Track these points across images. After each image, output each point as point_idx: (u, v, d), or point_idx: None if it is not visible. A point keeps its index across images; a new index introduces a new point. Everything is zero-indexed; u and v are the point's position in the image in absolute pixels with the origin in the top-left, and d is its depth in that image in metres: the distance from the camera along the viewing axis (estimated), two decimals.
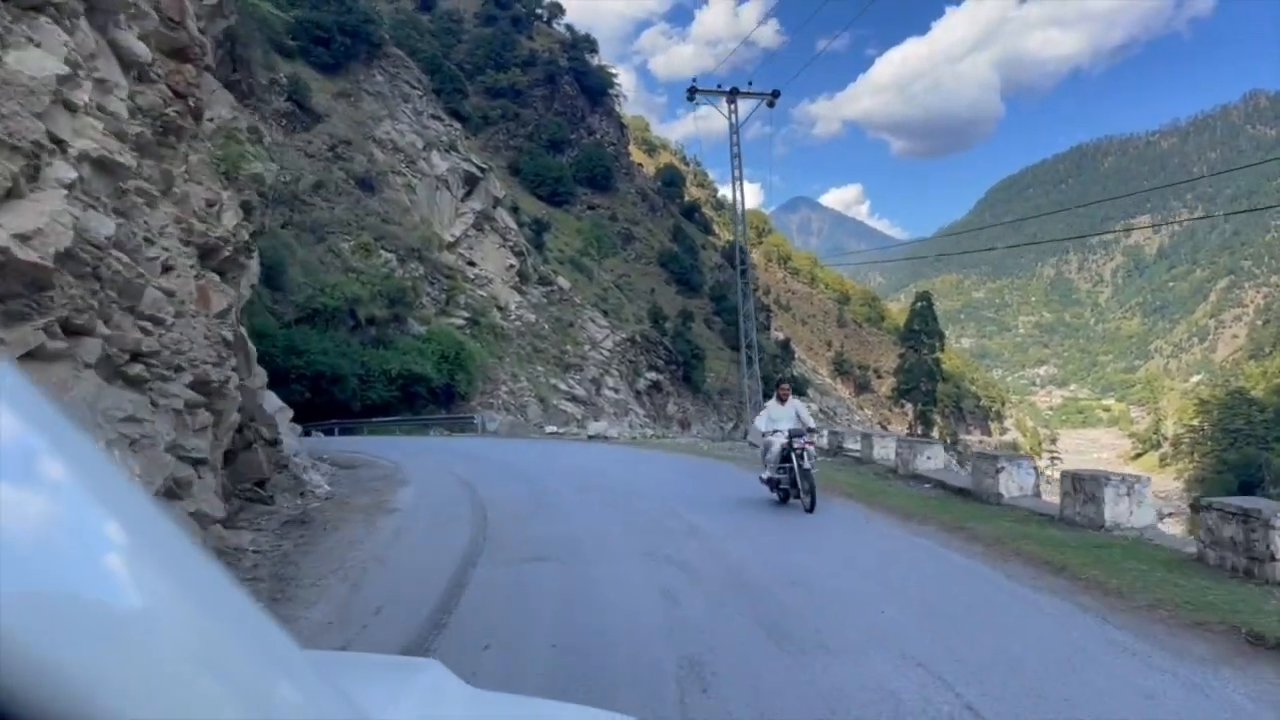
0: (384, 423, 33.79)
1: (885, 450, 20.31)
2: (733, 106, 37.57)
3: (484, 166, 53.33)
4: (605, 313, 60.98)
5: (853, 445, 22.48)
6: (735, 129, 37.17)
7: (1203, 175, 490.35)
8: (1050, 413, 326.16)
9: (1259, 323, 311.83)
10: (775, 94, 38.71)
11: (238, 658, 0.56)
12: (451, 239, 49.81)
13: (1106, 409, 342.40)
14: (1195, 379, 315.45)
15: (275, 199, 41.46)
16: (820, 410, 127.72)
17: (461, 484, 15.74)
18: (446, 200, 50.22)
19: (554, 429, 40.22)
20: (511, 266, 53.22)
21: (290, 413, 17.80)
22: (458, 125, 57.44)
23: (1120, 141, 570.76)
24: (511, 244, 53.87)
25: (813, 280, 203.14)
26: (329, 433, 33.11)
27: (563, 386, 48.66)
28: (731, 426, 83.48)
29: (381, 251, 41.84)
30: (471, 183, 52.61)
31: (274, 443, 12.04)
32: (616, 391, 53.79)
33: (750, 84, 39.34)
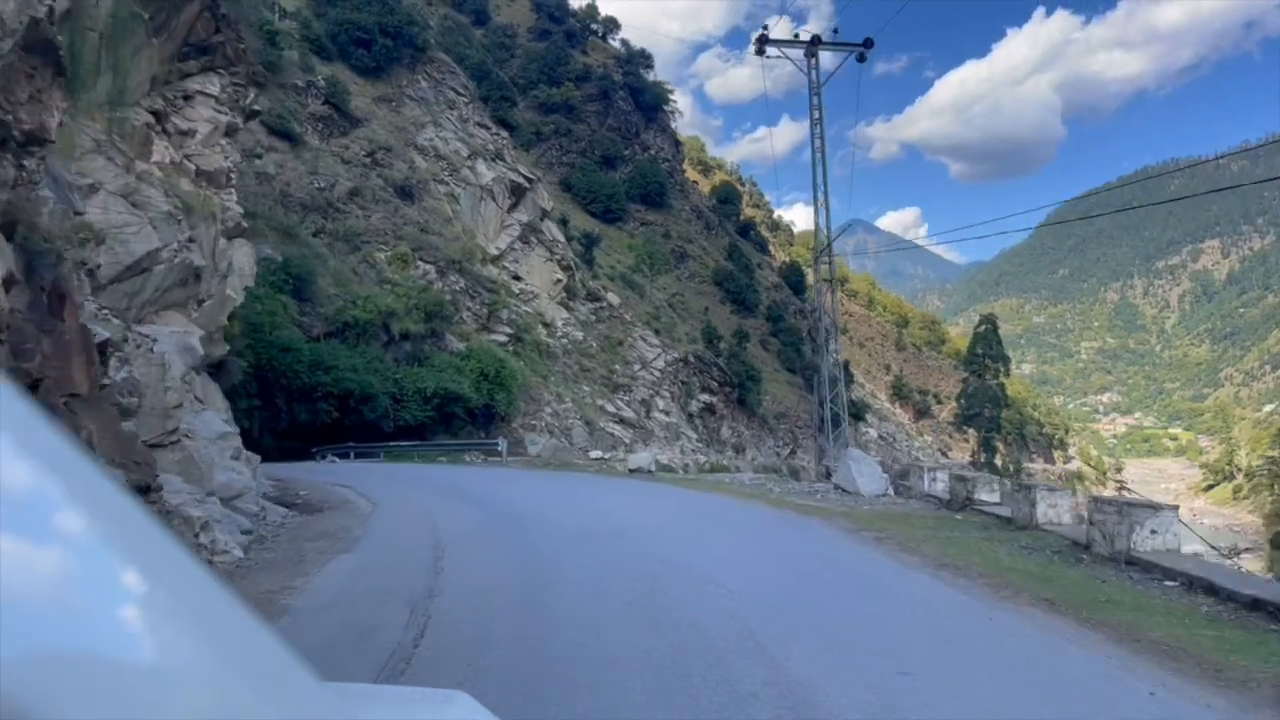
0: (403, 448, 30.93)
1: (1056, 510, 13.95)
2: (813, 60, 31.81)
3: (531, 176, 50.83)
4: (657, 331, 58.03)
5: (988, 497, 15.83)
6: (816, 87, 31.59)
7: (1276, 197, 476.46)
8: (1114, 441, 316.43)
9: None
10: (867, 44, 32.02)
11: (258, 708, 0.55)
12: (496, 252, 47.30)
13: (1173, 438, 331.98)
14: (1269, 408, 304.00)
15: (308, 205, 39.35)
16: (880, 436, 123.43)
17: (431, 549, 11.14)
18: (491, 211, 47.77)
19: (599, 454, 37.18)
20: (559, 281, 50.53)
21: (236, 441, 14.87)
22: (505, 134, 55.18)
23: (1188, 164, 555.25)
24: (559, 257, 51.20)
25: (870, 303, 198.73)
26: (344, 456, 30.45)
27: (610, 408, 45.71)
28: (789, 452, 79.89)
29: (420, 263, 39.38)
30: (518, 193, 50.13)
31: (145, 489, 8.60)
32: (668, 414, 50.71)
33: (835, 31, 33.23)
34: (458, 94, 53.01)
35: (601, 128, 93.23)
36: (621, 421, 45.47)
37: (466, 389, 36.96)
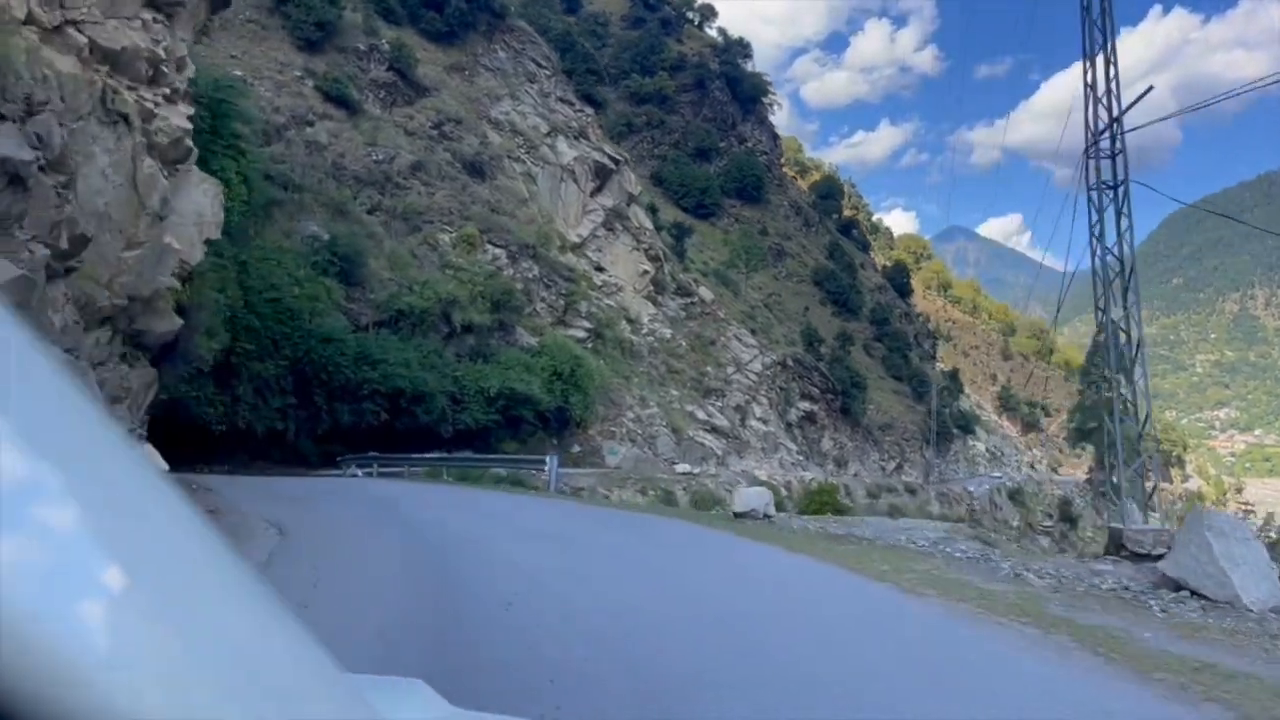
0: (435, 461, 25.24)
1: None
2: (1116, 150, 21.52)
3: (618, 158, 45.95)
4: (753, 331, 52.53)
5: None
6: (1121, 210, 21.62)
7: None
8: (1232, 459, 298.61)
9: None
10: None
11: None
12: (576, 239, 42.54)
13: None
14: None
15: (363, 179, 35.10)
16: (988, 450, 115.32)
17: None
18: (573, 194, 43.04)
19: (686, 468, 31.94)
20: (646, 273, 45.48)
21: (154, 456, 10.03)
22: (590, 111, 50.39)
23: None
24: (646, 247, 46.13)
25: (974, 309, 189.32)
26: (366, 466, 25.62)
27: (701, 415, 40.47)
28: (894, 467, 73.33)
29: (489, 246, 34.82)
30: (603, 176, 45.29)
31: None
32: (765, 423, 45.21)
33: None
34: (539, 66, 48.44)
35: (696, 119, 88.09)
36: (714, 430, 40.19)
37: (537, 389, 32.16)
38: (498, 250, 35.08)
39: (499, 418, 31.79)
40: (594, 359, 35.40)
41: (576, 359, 34.12)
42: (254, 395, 25.80)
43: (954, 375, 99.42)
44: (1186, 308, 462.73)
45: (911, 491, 40.38)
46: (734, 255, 64.14)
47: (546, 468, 19.52)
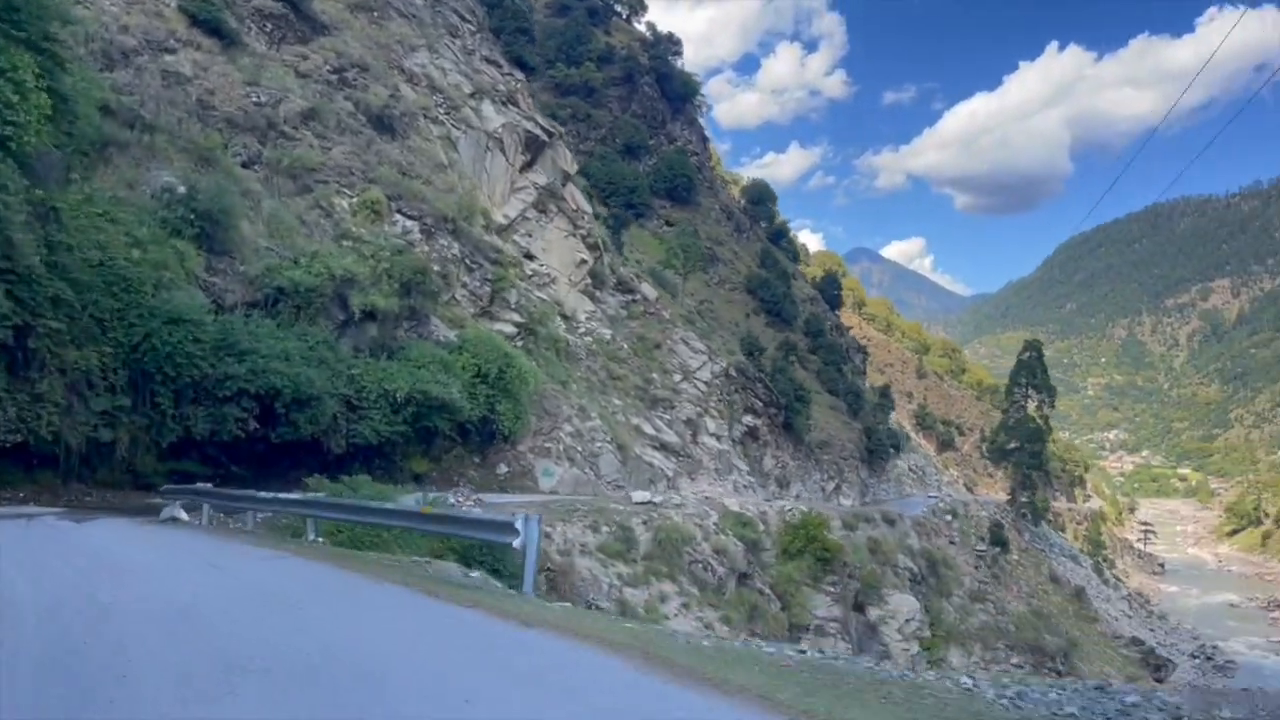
0: (299, 506, 14.86)
1: None
2: None
3: (551, 130, 39.55)
4: (701, 335, 46.59)
5: None
6: None
7: None
8: (1121, 479, 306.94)
9: None
10: None
11: None
12: (503, 220, 35.94)
13: (1182, 478, 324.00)
14: None
15: (239, 124, 27.88)
16: (910, 469, 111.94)
17: None
18: (499, 167, 36.44)
19: (644, 496, 25.57)
20: (583, 263, 39.06)
21: None
22: (520, 75, 43.83)
23: (1198, 202, 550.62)
24: (584, 233, 39.73)
25: (888, 328, 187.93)
26: (194, 505, 17.76)
27: (648, 429, 34.30)
28: (834, 488, 68.31)
29: (398, 217, 28.03)
30: (535, 149, 38.79)
31: None
32: (718, 439, 39.30)
33: None
34: (462, 19, 41.61)
35: (625, 114, 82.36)
36: (662, 447, 34.05)
37: (456, 394, 25.46)
38: (409, 222, 28.29)
39: (407, 429, 25.00)
40: (525, 359, 28.82)
41: (506, 358, 27.53)
42: (65, 393, 18.49)
43: (884, 392, 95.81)
44: (1079, 332, 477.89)
45: (890, 522, 35.02)
46: (670, 255, 58.27)
47: (520, 540, 9.50)
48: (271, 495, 15.44)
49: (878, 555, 30.50)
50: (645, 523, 22.99)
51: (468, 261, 29.94)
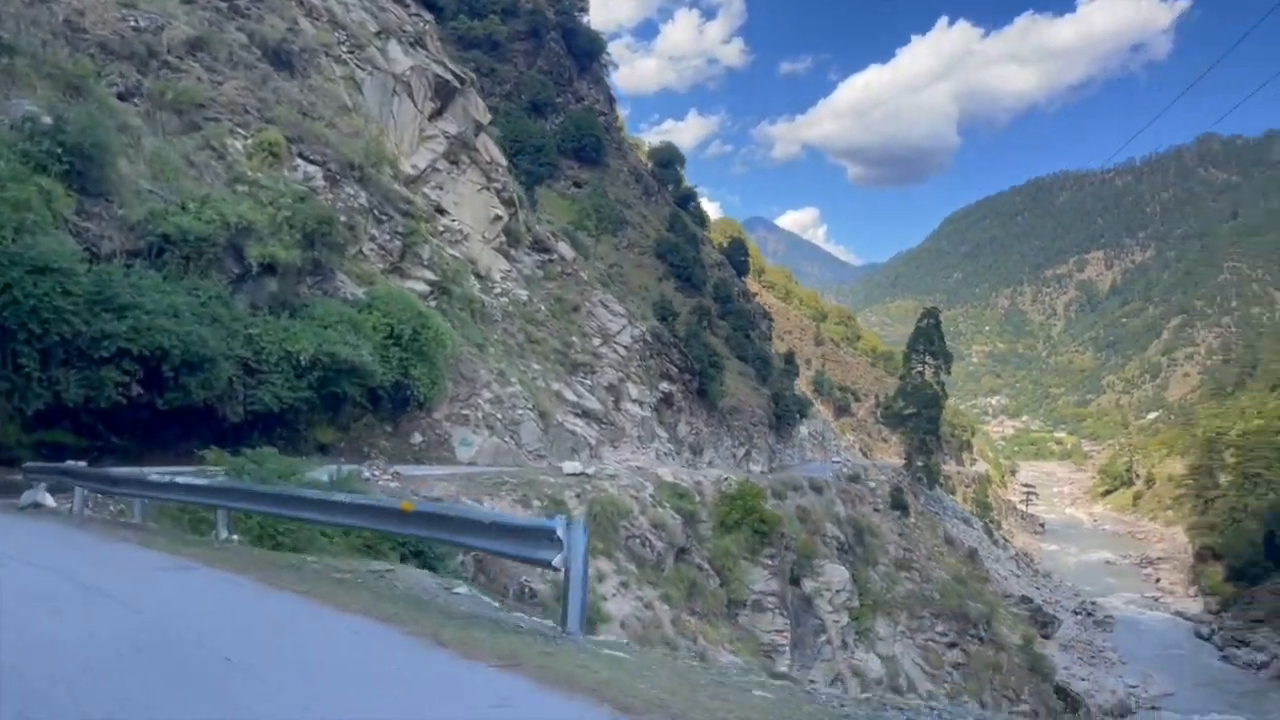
0: (209, 497, 12.04)
1: None
2: None
3: (463, 76, 36.95)
4: (620, 298, 44.82)
5: None
6: None
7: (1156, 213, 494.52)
8: (1003, 443, 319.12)
9: (1221, 361, 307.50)
10: None
11: None
12: (413, 170, 33.35)
13: (1059, 442, 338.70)
14: (1152, 415, 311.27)
15: (115, 51, 24.63)
16: (810, 434, 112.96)
17: None
18: (407, 113, 33.75)
19: (576, 467, 23.82)
20: (498, 219, 36.74)
21: None
22: (428, 16, 40.91)
23: (1076, 177, 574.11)
24: (499, 187, 37.36)
25: (787, 295, 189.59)
26: (64, 487, 14.60)
27: (570, 395, 32.50)
28: (744, 454, 67.74)
29: (299, 161, 25.37)
30: (445, 96, 36.14)
31: None
32: (641, 405, 37.75)
33: None
34: None
35: (531, 70, 79.39)
36: (585, 414, 32.32)
37: (367, 356, 23.18)
38: (312, 167, 25.64)
39: (312, 395, 22.59)
40: (441, 320, 26.62)
41: (421, 318, 25.29)
42: None
43: (789, 358, 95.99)
44: (965, 301, 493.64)
45: (818, 490, 34.14)
46: (582, 216, 56.15)
47: (562, 556, 6.57)
48: (167, 478, 12.19)
49: (807, 525, 29.59)
50: (578, 496, 21.31)
51: (376, 213, 27.44)
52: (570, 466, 22.84)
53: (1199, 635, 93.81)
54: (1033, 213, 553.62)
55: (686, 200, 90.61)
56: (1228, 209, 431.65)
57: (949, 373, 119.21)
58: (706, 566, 22.27)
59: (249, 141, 24.63)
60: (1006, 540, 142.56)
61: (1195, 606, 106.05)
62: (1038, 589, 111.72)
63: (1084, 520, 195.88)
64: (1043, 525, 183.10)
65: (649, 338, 47.23)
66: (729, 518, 24.69)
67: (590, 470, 22.66)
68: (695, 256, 75.80)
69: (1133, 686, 72.01)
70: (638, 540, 20.91)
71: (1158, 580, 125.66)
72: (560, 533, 6.55)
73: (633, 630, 19.25)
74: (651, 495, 22.62)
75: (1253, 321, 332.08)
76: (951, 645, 32.14)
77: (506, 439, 27.94)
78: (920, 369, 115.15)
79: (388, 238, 27.66)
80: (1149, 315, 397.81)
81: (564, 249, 43.16)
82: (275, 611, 7.12)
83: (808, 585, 26.53)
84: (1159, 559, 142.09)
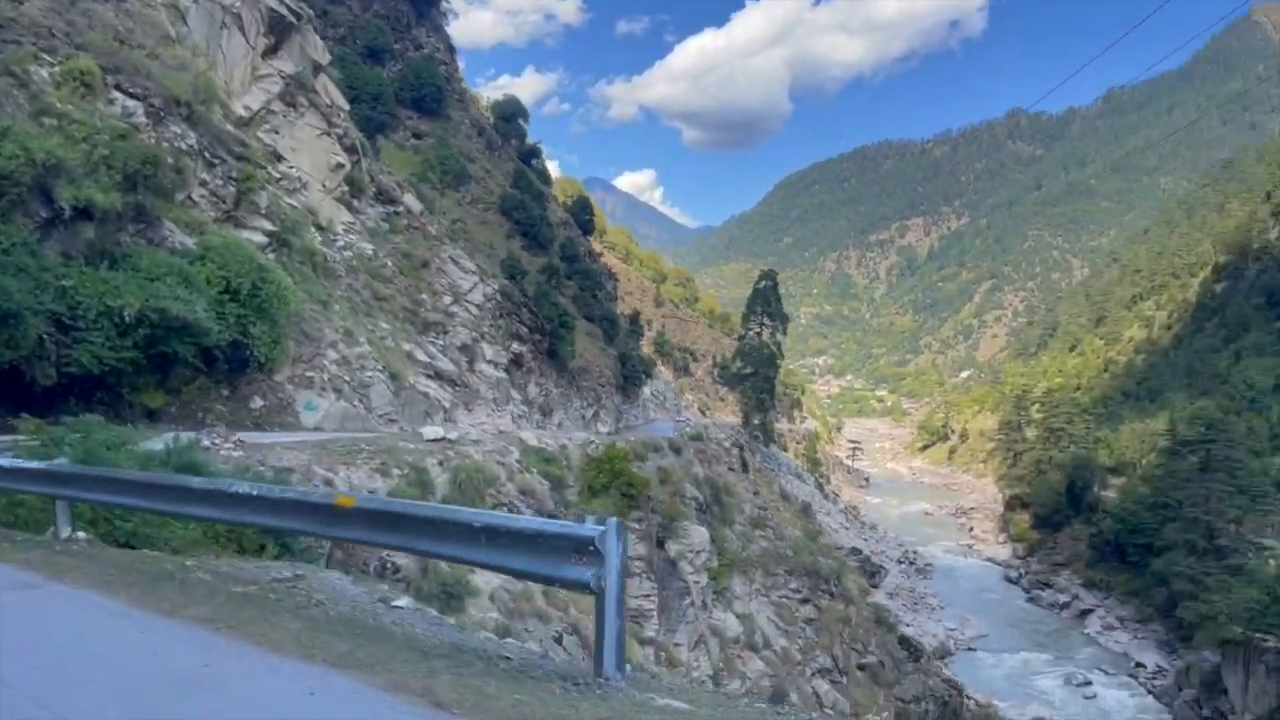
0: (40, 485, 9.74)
1: None
2: None
3: (299, 11, 34.11)
4: (471, 254, 43.00)
5: None
6: None
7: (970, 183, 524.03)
8: (829, 401, 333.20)
9: (1026, 323, 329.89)
10: None
11: None
12: (245, 112, 30.57)
13: (880, 400, 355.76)
14: (965, 374, 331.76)
15: None
16: (653, 394, 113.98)
17: None
18: (238, 48, 30.83)
19: (438, 433, 22.47)
20: (340, 167, 34.27)
21: None
22: None
23: (898, 146, 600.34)
24: (340, 132, 34.85)
25: (628, 256, 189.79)
26: None
27: (421, 356, 30.86)
28: (592, 414, 67.28)
29: (117, 94, 22.58)
30: (280, 32, 33.25)
31: None
32: (495, 366, 36.40)
33: None
34: None
35: (366, 13, 75.27)
36: (437, 376, 30.78)
37: (201, 313, 21.03)
38: (132, 102, 22.88)
39: (138, 355, 20.30)
40: (282, 274, 24.53)
41: (261, 272, 23.17)
42: None
43: (634, 319, 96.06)
44: (795, 265, 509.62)
45: (677, 450, 33.96)
46: (425, 168, 53.60)
47: (598, 574, 4.89)
48: None
49: (668, 486, 29.34)
50: (441, 463, 20.06)
51: (207, 155, 24.88)
52: (431, 431, 21.51)
53: (1008, 579, 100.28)
54: (859, 180, 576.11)
55: (530, 156, 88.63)
56: (1033, 181, 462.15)
57: (784, 334, 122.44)
58: None
59: (56, 69, 21.71)
60: (836, 494, 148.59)
61: (1005, 553, 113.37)
62: (865, 540, 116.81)
63: (904, 474, 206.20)
64: (867, 479, 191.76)
65: (499, 297, 45.78)
66: (596, 481, 24.01)
67: (452, 435, 21.41)
68: (541, 214, 74.25)
69: (952, 629, 76.62)
70: (505, 508, 19.89)
71: (971, 529, 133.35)
72: (598, 542, 4.87)
73: (502, 603, 18.33)
74: (518, 460, 21.63)
75: (1053, 286, 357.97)
76: (804, 601, 32.81)
77: (355, 403, 26.22)
78: (758, 330, 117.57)
79: (220, 183, 25.19)
80: (963, 279, 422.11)
81: (410, 201, 40.95)
82: (184, 659, 5.10)
83: (672, 548, 26.29)
84: (972, 509, 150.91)
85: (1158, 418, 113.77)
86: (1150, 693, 65.16)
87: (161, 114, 23.69)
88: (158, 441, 14.95)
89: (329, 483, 17.97)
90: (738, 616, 30.82)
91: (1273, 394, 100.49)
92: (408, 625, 6.45)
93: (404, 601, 7.26)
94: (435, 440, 20.95)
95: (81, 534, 9.44)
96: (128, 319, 19.60)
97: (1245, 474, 72.70)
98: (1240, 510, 71.54)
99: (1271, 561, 65.71)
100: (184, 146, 24.07)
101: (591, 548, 4.88)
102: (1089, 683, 66.03)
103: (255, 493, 7.17)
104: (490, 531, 5.42)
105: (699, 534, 28.08)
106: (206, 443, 17.89)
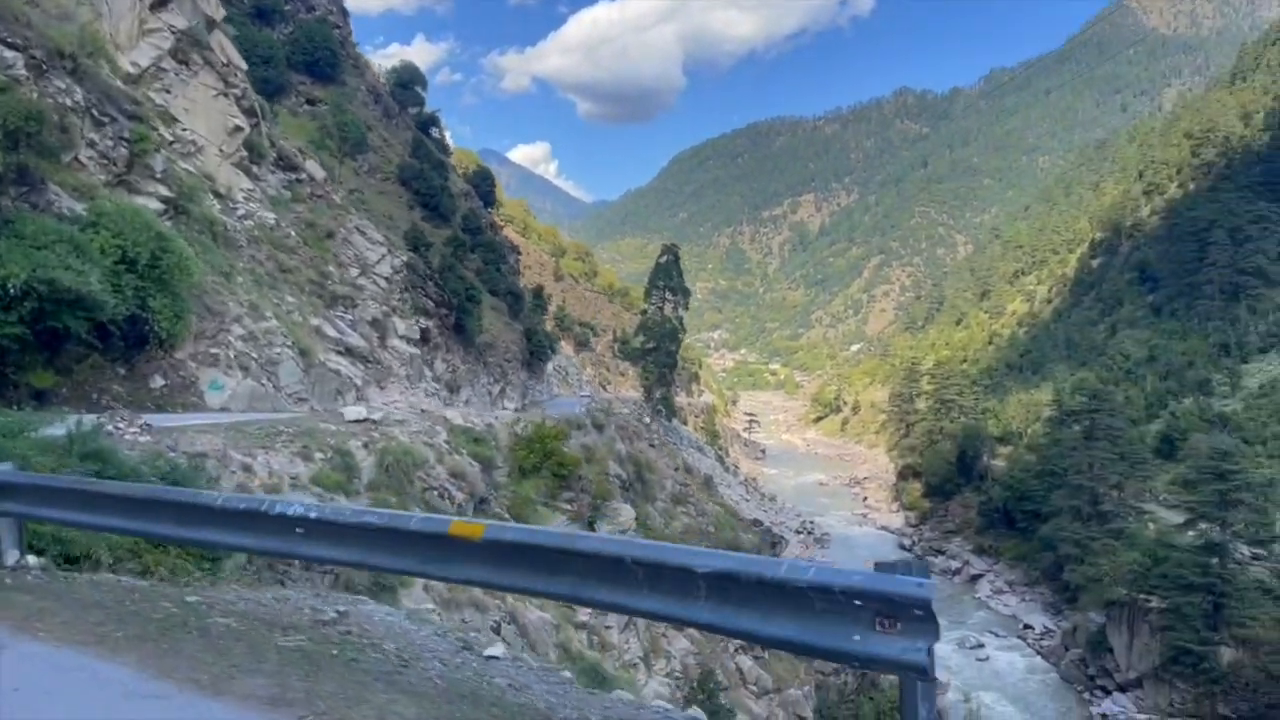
0: None
1: None
2: None
3: None
4: (378, 225, 41.08)
5: None
6: None
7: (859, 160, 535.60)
8: (724, 375, 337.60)
9: (913, 298, 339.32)
10: None
11: None
12: (132, 69, 28.27)
13: (773, 373, 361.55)
14: (855, 347, 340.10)
15: None
16: (554, 369, 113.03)
17: None
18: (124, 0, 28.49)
19: (360, 413, 21.21)
20: (238, 130, 32.08)
21: None
22: None
23: (790, 123, 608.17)
24: (238, 93, 32.63)
25: (526, 230, 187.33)
26: None
27: (331, 331, 29.26)
28: (499, 391, 65.93)
29: None
30: None
31: None
32: (408, 341, 34.89)
33: None
34: None
35: None
36: (348, 352, 29.27)
37: (96, 285, 19.27)
38: (10, 53, 20.69)
39: (24, 330, 18.47)
40: (181, 242, 22.77)
41: (161, 240, 21.41)
42: None
43: (538, 293, 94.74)
44: (690, 240, 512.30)
45: (599, 427, 33.23)
46: (323, 135, 51.10)
47: (924, 648, 3.37)
48: None
49: (594, 464, 28.63)
50: (366, 445, 18.88)
51: (95, 113, 22.79)
52: (353, 412, 20.24)
53: (902, 547, 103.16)
54: (752, 155, 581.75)
55: (428, 125, 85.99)
56: (919, 159, 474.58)
57: (686, 308, 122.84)
58: (507, 516, 20.65)
59: None
60: (735, 467, 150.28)
61: (898, 521, 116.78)
62: (765, 511, 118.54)
63: (799, 445, 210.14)
64: (764, 451, 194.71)
65: (404, 270, 44.09)
66: (527, 462, 23.07)
67: (376, 416, 20.19)
68: (443, 185, 72.11)
69: None
70: (435, 492, 18.90)
71: (865, 499, 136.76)
72: (927, 600, 3.46)
73: (438, 592, 17.40)
74: (446, 441, 20.57)
75: (938, 262, 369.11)
76: None
77: (263, 381, 24.64)
78: (660, 304, 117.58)
79: (110, 144, 23.13)
80: (852, 255, 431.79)
81: (313, 168, 38.87)
82: None
83: (602, 529, 25.65)
84: (865, 479, 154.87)
85: (1041, 388, 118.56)
86: (1039, 653, 67.91)
87: (44, 67, 21.57)
88: (58, 426, 13.48)
89: (247, 469, 16.69)
90: None
91: (1146, 364, 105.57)
92: (526, 689, 5.08)
93: (499, 651, 5.85)
94: (358, 421, 19.73)
95: (32, 558, 7.30)
96: (12, 291, 17.76)
97: (1125, 441, 76.05)
98: (1121, 476, 74.82)
99: (1150, 525, 68.99)
100: (69, 103, 22.00)
101: (919, 611, 3.44)
102: (982, 645, 68.38)
103: (314, 515, 5.37)
104: (720, 581, 3.77)
105: (627, 513, 27.52)
106: (110, 427, 16.34)
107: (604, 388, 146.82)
